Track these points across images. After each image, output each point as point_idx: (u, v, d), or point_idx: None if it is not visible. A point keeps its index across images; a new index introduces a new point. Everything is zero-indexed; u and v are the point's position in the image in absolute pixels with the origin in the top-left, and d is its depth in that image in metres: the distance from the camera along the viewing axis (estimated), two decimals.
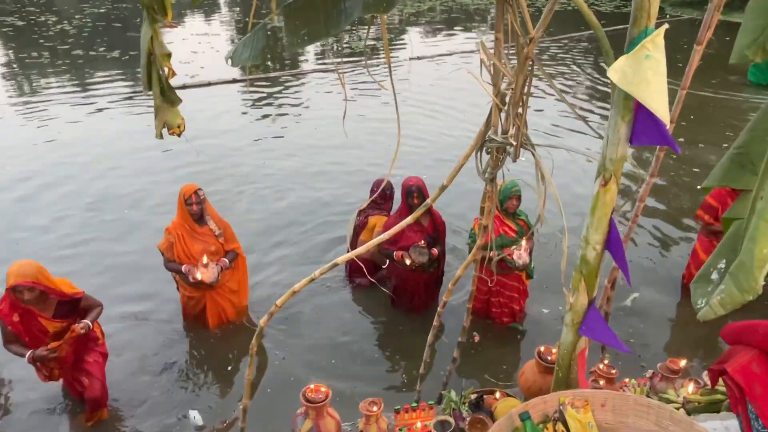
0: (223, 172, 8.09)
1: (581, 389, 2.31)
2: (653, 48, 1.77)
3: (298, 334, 5.07)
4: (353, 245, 5.10)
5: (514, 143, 2.21)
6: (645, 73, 1.77)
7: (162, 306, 5.38)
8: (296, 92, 11.99)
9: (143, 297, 5.50)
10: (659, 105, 1.74)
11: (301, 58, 14.84)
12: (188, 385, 4.55)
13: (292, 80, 12.73)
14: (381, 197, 5.58)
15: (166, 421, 4.19)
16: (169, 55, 2.04)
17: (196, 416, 4.18)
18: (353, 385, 4.42)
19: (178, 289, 5.11)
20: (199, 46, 15.59)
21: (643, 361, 4.69)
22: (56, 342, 3.78)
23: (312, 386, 3.10)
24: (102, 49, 15.27)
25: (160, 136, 2.20)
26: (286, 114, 10.63)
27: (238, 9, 22.19)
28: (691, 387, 3.04)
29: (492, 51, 2.20)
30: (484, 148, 2.51)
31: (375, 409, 3.11)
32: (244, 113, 10.66)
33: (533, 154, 2.29)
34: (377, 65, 13.00)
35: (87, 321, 3.88)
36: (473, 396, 3.29)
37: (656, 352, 4.81)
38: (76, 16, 19.74)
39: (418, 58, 14.13)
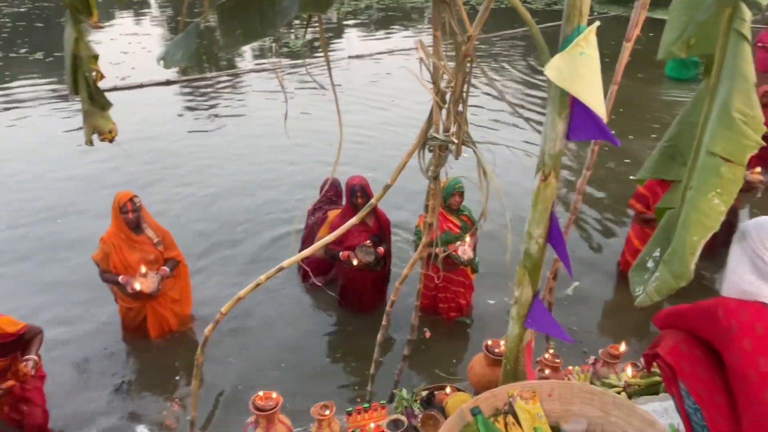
0: (159, 177, 7.82)
1: (529, 381, 2.36)
2: (586, 45, 1.82)
3: (244, 340, 4.96)
4: (310, 243, 5.04)
5: (456, 141, 2.23)
6: (580, 70, 1.81)
7: (99, 319, 5.13)
8: (234, 92, 11.76)
9: (79, 311, 5.24)
10: (595, 100, 1.79)
11: (238, 57, 14.54)
12: (133, 399, 4.37)
13: (229, 80, 12.46)
14: (334, 194, 5.56)
15: None
16: (96, 57, 1.93)
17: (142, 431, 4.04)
18: (304, 389, 4.35)
19: (116, 300, 4.90)
20: (129, 46, 15.02)
21: (585, 347, 4.84)
22: (9, 382, 3.59)
23: (261, 393, 3.04)
24: (23, 50, 14.48)
25: (90, 142, 2.08)
26: (224, 115, 10.40)
27: (169, 7, 21.51)
28: (629, 371, 3.16)
29: (431, 49, 2.21)
30: (427, 147, 2.51)
31: (327, 412, 3.07)
32: (180, 115, 10.36)
33: (474, 152, 2.31)
34: (316, 64, 12.90)
35: (33, 357, 3.68)
36: (424, 393, 3.30)
37: (597, 338, 4.99)
38: None
39: (357, 56, 14.12)
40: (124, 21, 19.13)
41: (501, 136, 8.88)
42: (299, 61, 13.30)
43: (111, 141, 2.08)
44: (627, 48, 2.30)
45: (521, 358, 2.38)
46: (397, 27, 18.83)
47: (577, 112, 1.94)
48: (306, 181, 7.45)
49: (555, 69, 1.84)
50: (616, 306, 5.50)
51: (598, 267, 5.97)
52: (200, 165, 8.26)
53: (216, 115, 10.37)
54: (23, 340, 3.74)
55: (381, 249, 5.02)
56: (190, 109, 10.73)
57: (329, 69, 2.03)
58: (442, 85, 2.26)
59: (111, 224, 4.65)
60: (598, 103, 1.81)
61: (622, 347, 3.47)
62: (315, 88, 11.14)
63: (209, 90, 11.82)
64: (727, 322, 1.98)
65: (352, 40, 16.30)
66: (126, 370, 4.64)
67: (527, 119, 2.54)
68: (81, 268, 5.56)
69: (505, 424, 2.16)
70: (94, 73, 1.93)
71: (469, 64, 2.09)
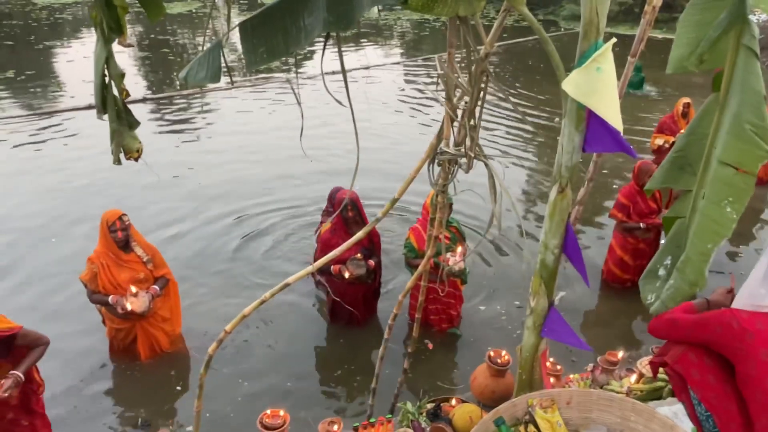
0: (145, 197, 7.66)
1: (546, 390, 2.37)
2: (603, 61, 1.86)
3: (232, 359, 4.86)
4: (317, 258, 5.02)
5: (471, 154, 2.25)
6: (597, 85, 1.85)
7: (83, 341, 4.96)
8: (211, 107, 11.66)
9: (62, 334, 5.05)
10: (613, 114, 1.83)
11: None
12: (128, 420, 4.24)
13: (201, 96, 12.40)
14: (334, 205, 5.51)
15: None
16: (122, 76, 1.89)
17: None
18: (299, 406, 4.29)
19: (103, 322, 4.75)
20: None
21: (573, 356, 4.90)
22: None
23: (269, 411, 2.99)
24: None
25: (118, 161, 2.03)
26: (206, 129, 10.36)
27: (138, 24, 21.19)
28: (633, 377, 3.20)
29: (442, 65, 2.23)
30: (436, 161, 2.53)
31: (335, 428, 3.04)
32: (159, 132, 10.18)
33: (487, 166, 2.34)
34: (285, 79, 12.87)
35: (17, 374, 3.21)
36: (429, 405, 3.28)
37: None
38: None
39: (333, 72, 14.13)
40: (93, 38, 18.77)
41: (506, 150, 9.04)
42: (273, 75, 13.26)
43: (137, 159, 2.03)
44: (630, 63, 2.36)
45: (537, 367, 2.39)
46: (365, 42, 19.00)
47: (593, 125, 1.98)
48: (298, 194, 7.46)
49: (572, 84, 1.88)
50: (601, 315, 5.59)
51: (579, 276, 6.05)
52: (188, 181, 8.13)
53: (196, 130, 10.28)
54: (17, 347, 3.31)
55: (371, 262, 5.00)
56: (168, 125, 10.59)
57: (346, 85, 2.03)
58: (454, 99, 2.28)
59: (99, 243, 4.52)
60: (615, 117, 1.85)
61: (620, 353, 3.52)
62: (291, 102, 11.19)
63: (185, 106, 11.70)
64: (743, 331, 2.04)
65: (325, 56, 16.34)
66: (119, 395, 4.49)
67: (534, 133, 2.57)
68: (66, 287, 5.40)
69: None
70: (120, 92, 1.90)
71: (484, 81, 2.12)
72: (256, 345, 5.05)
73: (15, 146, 9.34)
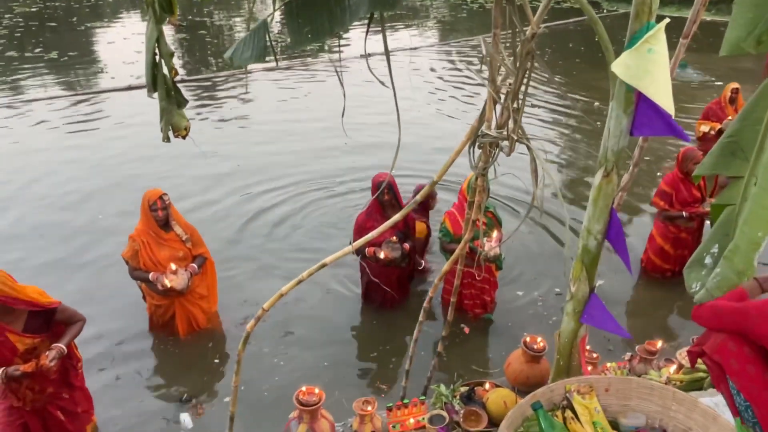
0: (184, 177, 7.82)
1: (585, 376, 2.36)
2: (655, 42, 1.81)
3: (268, 337, 4.96)
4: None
5: (514, 137, 2.23)
6: (648, 67, 1.81)
7: (125, 316, 5.13)
8: (244, 90, 11.78)
9: (105, 309, 5.24)
10: (665, 97, 1.79)
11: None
12: (169, 394, 4.38)
13: (240, 79, 12.52)
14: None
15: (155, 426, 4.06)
16: (172, 55, 1.93)
17: (186, 419, 4.05)
18: (332, 386, 4.36)
19: (144, 298, 4.91)
20: (142, 45, 14.97)
21: (610, 345, 4.84)
22: (29, 364, 3.28)
23: (304, 389, 3.05)
24: (38, 50, 14.49)
25: (167, 138, 2.08)
26: (245, 109, 10.50)
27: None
28: (673, 368, 3.15)
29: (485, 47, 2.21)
30: (477, 143, 2.51)
31: (369, 408, 3.07)
32: (199, 114, 10.35)
33: (529, 149, 2.31)
34: (316, 62, 12.88)
35: (59, 346, 3.34)
36: (463, 388, 3.30)
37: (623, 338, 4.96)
38: (6, 15, 18.64)
39: (369, 54, 14.07)
40: (132, 20, 19.11)
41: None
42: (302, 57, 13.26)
43: (184, 137, 2.08)
44: (683, 45, 2.30)
45: (575, 354, 2.38)
46: (399, 25, 18.84)
47: (642, 108, 1.94)
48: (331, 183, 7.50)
49: (623, 66, 1.84)
50: (640, 305, 5.49)
51: (620, 265, 5.93)
52: (232, 165, 8.25)
53: (237, 117, 10.38)
54: (57, 322, 3.44)
55: (407, 245, 5.02)
56: (206, 108, 10.74)
57: (389, 68, 2.03)
58: (499, 80, 2.26)
59: (140, 222, 4.66)
60: (666, 99, 1.81)
61: (659, 343, 3.47)
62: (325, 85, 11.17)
63: (222, 87, 11.83)
64: None
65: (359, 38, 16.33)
66: (159, 369, 4.65)
67: (583, 115, 2.53)
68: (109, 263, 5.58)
69: (564, 419, 2.16)
70: (170, 71, 1.94)
71: (530, 61, 2.09)
72: (291, 324, 5.13)
73: (54, 127, 9.59)
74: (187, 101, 2.06)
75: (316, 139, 8.91)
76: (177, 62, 13.64)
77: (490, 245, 4.77)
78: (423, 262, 5.74)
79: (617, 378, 2.25)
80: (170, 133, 2.05)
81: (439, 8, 22.42)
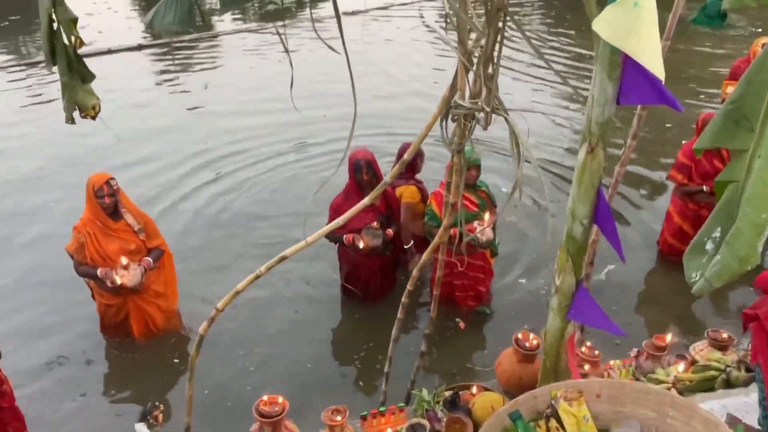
0: (141, 157, 7.75)
1: (573, 380, 2.34)
2: None
3: (240, 338, 4.95)
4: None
5: (486, 108, 2.17)
6: (634, 24, 1.75)
7: (74, 318, 5.11)
8: (213, 56, 11.65)
9: (50, 310, 5.22)
10: (653, 59, 1.73)
11: (215, 18, 14.40)
12: (122, 405, 4.39)
13: (207, 42, 12.40)
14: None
15: None
16: (75, 21, 1.85)
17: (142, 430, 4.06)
18: (309, 390, 4.36)
19: (93, 297, 4.88)
20: (94, 6, 14.84)
21: (618, 339, 4.83)
22: None
23: (266, 398, 3.03)
24: None
25: (71, 120, 2.01)
26: (206, 81, 10.39)
27: None
28: (681, 366, 3.14)
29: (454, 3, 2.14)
30: (450, 116, 2.46)
31: (339, 418, 3.06)
32: (158, 84, 10.24)
33: (507, 120, 2.26)
34: (301, 22, 12.75)
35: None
36: (447, 393, 3.29)
37: (635, 329, 4.94)
38: None
39: (353, 12, 13.95)
40: None
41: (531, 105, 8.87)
42: (285, 22, 13.15)
43: (93, 118, 2.01)
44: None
45: (563, 354, 2.36)
46: None
47: (629, 72, 1.88)
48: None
49: (605, 23, 1.78)
50: (657, 292, 5.47)
51: (633, 247, 5.93)
52: (191, 139, 8.20)
53: (197, 84, 10.30)
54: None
55: (390, 231, 4.97)
56: (166, 76, 10.63)
57: (340, 28, 1.97)
58: (470, 44, 2.20)
59: (85, 210, 4.59)
60: (656, 62, 1.75)
61: (668, 338, 3.46)
62: (308, 47, 11.09)
63: (183, 54, 11.72)
64: None
65: None
66: (110, 376, 4.64)
67: (567, 81, 2.48)
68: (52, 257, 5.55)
69: (548, 429, 2.14)
70: (73, 40, 1.86)
71: (502, 20, 2.03)
72: (264, 324, 5.12)
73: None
74: (93, 75, 1.97)
75: (291, 111, 8.84)
76: (134, 26, 13.52)
77: (482, 229, 4.73)
78: (412, 241, 5.61)
79: (609, 382, 2.23)
80: (75, 114, 1.98)
81: None
